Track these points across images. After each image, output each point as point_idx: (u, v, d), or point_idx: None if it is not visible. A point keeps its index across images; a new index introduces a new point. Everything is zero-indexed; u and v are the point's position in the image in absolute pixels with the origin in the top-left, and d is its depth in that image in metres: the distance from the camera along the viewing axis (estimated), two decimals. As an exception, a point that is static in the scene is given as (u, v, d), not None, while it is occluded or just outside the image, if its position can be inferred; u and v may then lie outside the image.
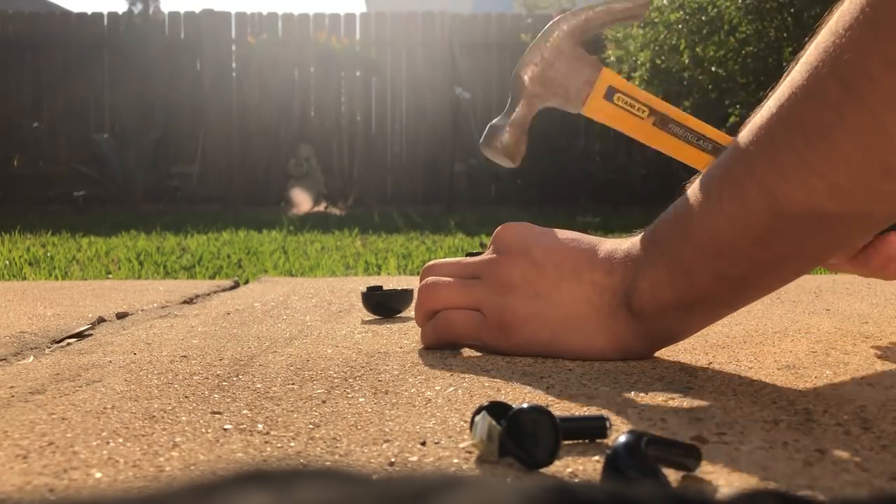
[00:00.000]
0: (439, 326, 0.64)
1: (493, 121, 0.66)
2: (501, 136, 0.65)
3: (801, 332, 0.73)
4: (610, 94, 0.64)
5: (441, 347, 0.65)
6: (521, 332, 0.60)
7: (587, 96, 0.65)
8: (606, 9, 0.66)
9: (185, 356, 0.65)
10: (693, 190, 0.54)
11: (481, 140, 0.66)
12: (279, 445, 0.41)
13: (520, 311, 0.60)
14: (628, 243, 0.59)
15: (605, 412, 0.45)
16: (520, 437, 0.36)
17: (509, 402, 0.39)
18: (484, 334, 0.62)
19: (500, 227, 0.64)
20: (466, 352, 0.65)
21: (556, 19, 0.66)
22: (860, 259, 0.63)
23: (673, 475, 0.35)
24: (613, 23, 0.67)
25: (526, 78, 0.65)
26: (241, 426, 0.45)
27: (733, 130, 0.68)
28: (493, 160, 0.67)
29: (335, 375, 0.57)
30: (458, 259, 0.67)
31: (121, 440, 0.42)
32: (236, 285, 1.29)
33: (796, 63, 0.48)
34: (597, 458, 0.38)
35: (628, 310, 0.57)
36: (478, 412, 0.38)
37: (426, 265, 0.68)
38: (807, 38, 0.49)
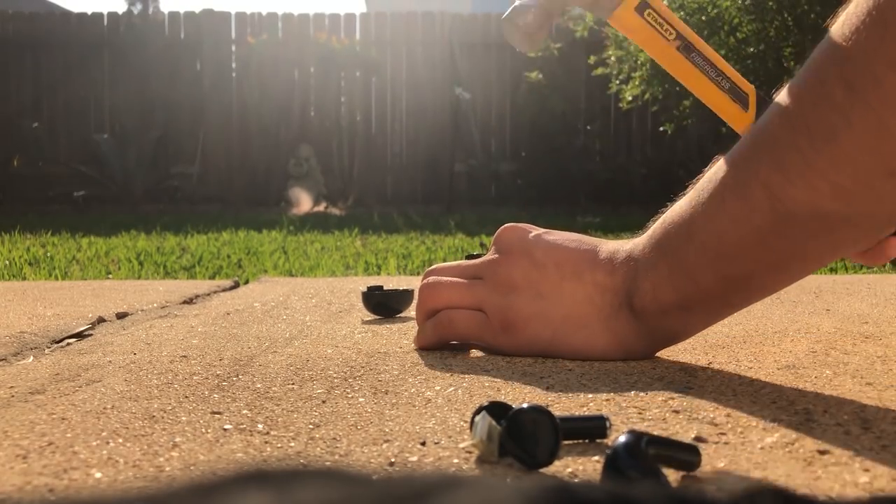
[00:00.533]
0: (441, 325, 0.64)
1: (518, 1, 0.63)
2: (526, 15, 0.63)
3: (801, 332, 0.73)
4: (642, 8, 0.62)
5: (439, 348, 0.65)
6: (523, 332, 0.60)
7: (619, 3, 0.62)
8: None
9: (185, 356, 0.65)
10: (696, 190, 0.54)
11: (504, 15, 0.63)
12: (279, 445, 0.41)
13: (522, 311, 0.60)
14: (630, 244, 0.59)
15: (605, 412, 0.45)
16: (520, 437, 0.36)
17: (509, 402, 0.39)
18: (486, 334, 0.62)
19: (501, 228, 0.64)
20: (466, 351, 0.64)
21: None
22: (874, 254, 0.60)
23: (673, 475, 0.35)
24: None
25: None
26: (241, 426, 0.45)
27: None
28: (510, 40, 0.64)
29: (335, 375, 0.57)
30: (459, 262, 0.67)
31: (121, 440, 0.42)
32: (236, 285, 1.29)
33: (803, 66, 0.48)
34: (597, 458, 0.38)
35: (630, 310, 0.57)
36: (478, 412, 0.38)
37: (427, 269, 0.68)
38: (807, 40, 0.49)
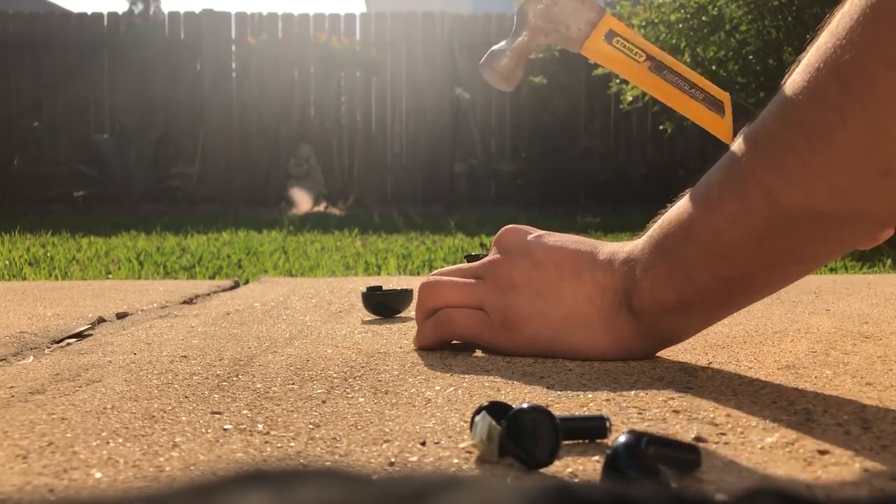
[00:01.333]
0: (440, 324, 0.64)
1: (494, 46, 0.68)
2: (501, 59, 0.67)
3: (801, 332, 0.73)
4: (609, 36, 0.66)
5: (439, 347, 0.65)
6: (523, 331, 0.60)
7: (587, 36, 0.66)
8: None
9: (185, 356, 0.65)
10: (694, 191, 0.54)
11: (481, 62, 0.68)
12: (279, 445, 0.41)
13: (522, 310, 0.60)
14: (630, 245, 0.59)
15: (605, 412, 0.45)
16: (520, 437, 0.36)
17: (509, 402, 0.39)
18: (486, 333, 0.62)
19: (502, 229, 0.65)
20: (466, 351, 0.64)
21: None
22: None
23: (673, 475, 0.35)
24: None
25: (531, 12, 0.67)
26: (241, 426, 0.45)
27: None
28: (490, 83, 0.69)
29: (335, 375, 0.57)
30: (460, 265, 0.67)
31: (121, 440, 0.42)
32: (236, 285, 1.29)
33: (797, 65, 0.49)
34: (597, 458, 0.38)
35: (629, 310, 0.58)
36: (478, 412, 0.38)
37: (428, 275, 0.69)
38: (807, 39, 0.49)
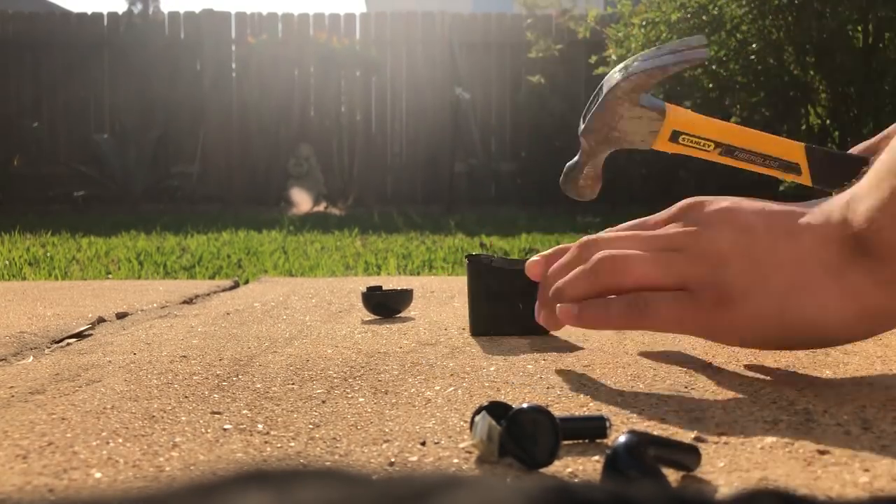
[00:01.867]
0: (637, 311, 0.52)
1: (570, 162, 0.75)
2: (577, 184, 0.76)
3: (801, 332, 0.73)
4: (675, 136, 0.69)
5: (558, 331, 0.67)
6: (743, 308, 0.50)
7: (653, 143, 0.71)
8: (660, 68, 0.70)
9: (184, 356, 0.65)
10: None
11: (560, 180, 0.77)
12: (279, 445, 0.41)
13: (738, 283, 0.50)
14: (849, 190, 0.51)
15: (605, 412, 0.45)
16: (520, 437, 0.36)
17: (509, 402, 0.39)
18: (696, 316, 0.52)
19: (687, 200, 0.56)
20: (466, 351, 0.65)
21: (613, 84, 0.70)
22: None
23: (673, 475, 0.35)
24: (671, 74, 0.73)
25: (590, 143, 0.73)
26: (241, 426, 0.45)
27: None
28: (568, 195, 0.78)
29: (335, 375, 0.57)
30: (631, 232, 0.57)
31: (121, 440, 0.42)
32: (236, 285, 1.29)
33: None
34: (597, 458, 0.38)
35: (865, 254, 0.48)
36: (478, 412, 0.38)
37: (585, 240, 0.57)
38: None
